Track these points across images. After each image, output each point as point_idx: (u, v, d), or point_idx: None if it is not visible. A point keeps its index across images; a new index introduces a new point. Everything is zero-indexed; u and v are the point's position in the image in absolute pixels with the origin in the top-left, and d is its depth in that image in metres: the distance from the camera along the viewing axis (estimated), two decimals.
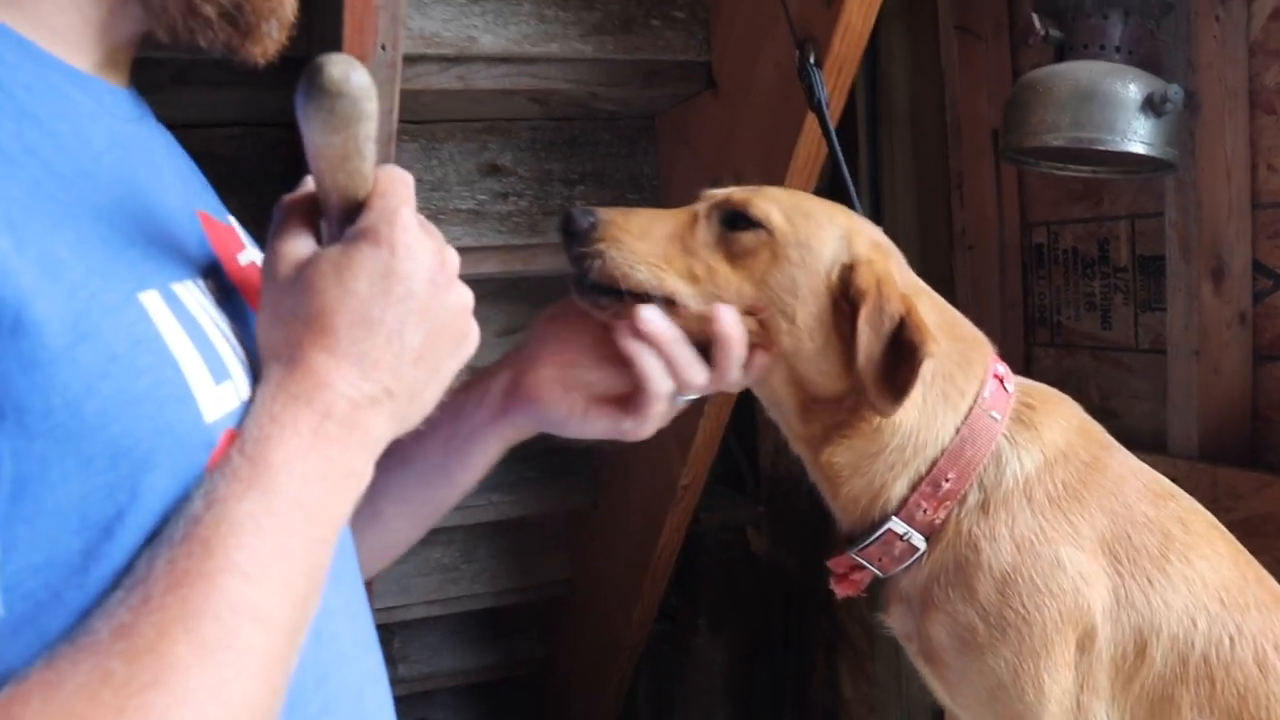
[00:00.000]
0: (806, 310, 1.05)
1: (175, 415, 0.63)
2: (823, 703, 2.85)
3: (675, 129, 2.08)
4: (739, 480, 2.93)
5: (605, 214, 1.05)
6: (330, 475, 0.66)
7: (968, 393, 1.09)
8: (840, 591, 1.20)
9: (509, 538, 2.88)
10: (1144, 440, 1.83)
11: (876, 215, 2.30)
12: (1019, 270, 2.19)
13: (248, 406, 0.67)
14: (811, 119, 1.58)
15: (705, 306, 1.02)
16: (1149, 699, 1.13)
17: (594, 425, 0.97)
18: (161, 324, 0.65)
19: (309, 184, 0.76)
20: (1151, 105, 1.51)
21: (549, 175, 2.04)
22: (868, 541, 1.10)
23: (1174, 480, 1.33)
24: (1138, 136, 1.52)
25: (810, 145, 1.61)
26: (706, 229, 1.07)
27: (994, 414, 1.09)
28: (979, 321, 1.78)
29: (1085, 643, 1.12)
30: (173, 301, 0.67)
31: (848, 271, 1.06)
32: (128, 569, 0.59)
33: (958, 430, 1.08)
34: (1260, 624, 1.13)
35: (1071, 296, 2.11)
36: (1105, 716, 1.14)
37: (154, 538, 0.60)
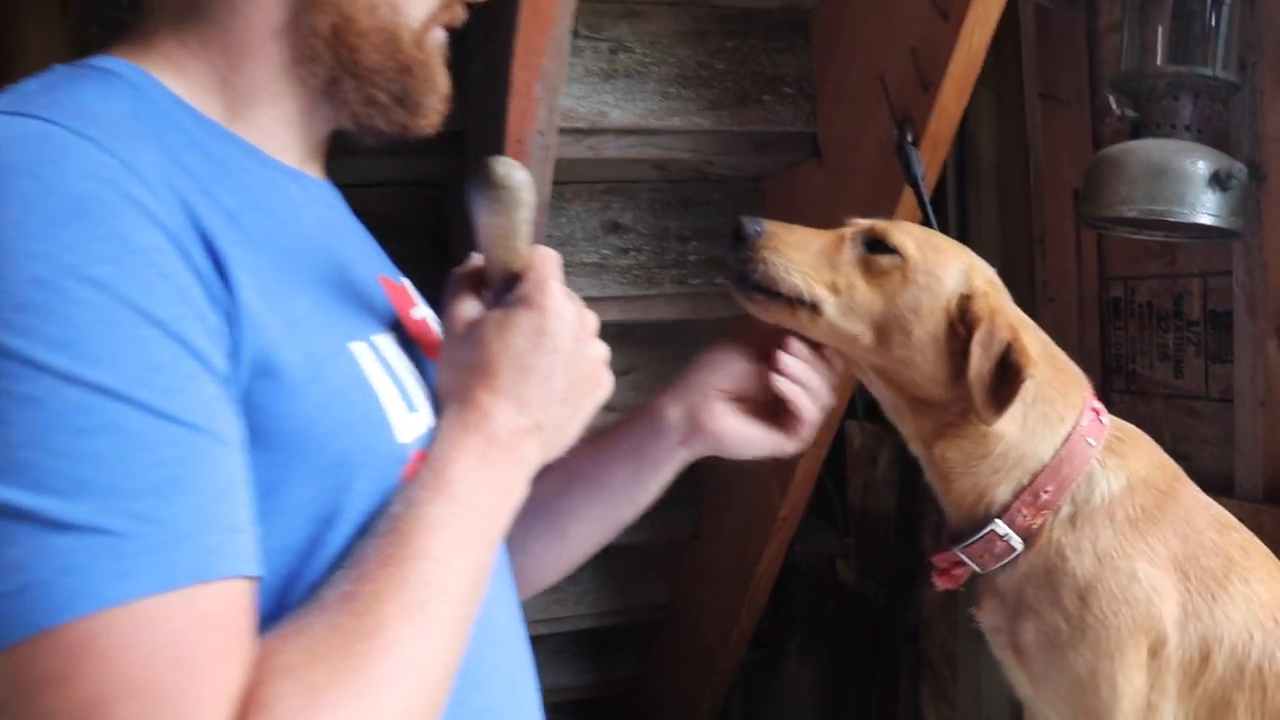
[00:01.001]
0: (924, 328, 1.22)
1: (377, 437, 0.81)
2: None
3: (781, 192, 2.26)
4: (830, 513, 3.08)
5: (770, 226, 1.22)
6: (495, 488, 0.83)
7: (1067, 418, 1.24)
8: (941, 585, 1.35)
9: (611, 563, 3.01)
10: (1212, 482, 1.92)
11: None
12: (1097, 322, 2.31)
13: (433, 432, 0.85)
14: (909, 190, 1.77)
15: (841, 319, 1.21)
16: (1210, 701, 1.25)
17: (760, 447, 1.16)
18: (366, 367, 0.83)
19: (475, 259, 0.93)
20: (1218, 180, 1.66)
21: (665, 232, 2.24)
22: (973, 539, 1.25)
23: (1240, 520, 1.49)
24: (1205, 209, 1.67)
25: (907, 213, 1.79)
26: (850, 250, 1.24)
27: (1090, 440, 1.24)
28: None
29: (1156, 648, 1.25)
30: (374, 349, 0.85)
31: (966, 300, 1.22)
32: (343, 554, 0.75)
33: (1057, 450, 1.23)
34: None
35: (1146, 347, 2.23)
36: (1171, 715, 1.26)
37: (362, 530, 0.77)
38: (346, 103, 0.92)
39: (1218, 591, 1.25)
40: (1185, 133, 1.74)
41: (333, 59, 0.89)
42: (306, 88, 0.91)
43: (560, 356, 0.87)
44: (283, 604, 0.73)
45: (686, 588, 3.05)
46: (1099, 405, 1.29)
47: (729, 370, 1.16)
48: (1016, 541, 1.25)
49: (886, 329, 1.23)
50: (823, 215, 2.08)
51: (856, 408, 2.85)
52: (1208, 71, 1.71)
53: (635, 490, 1.15)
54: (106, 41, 0.89)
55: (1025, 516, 1.24)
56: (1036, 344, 1.25)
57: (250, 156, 0.87)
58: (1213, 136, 1.79)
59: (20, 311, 0.63)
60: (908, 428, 1.29)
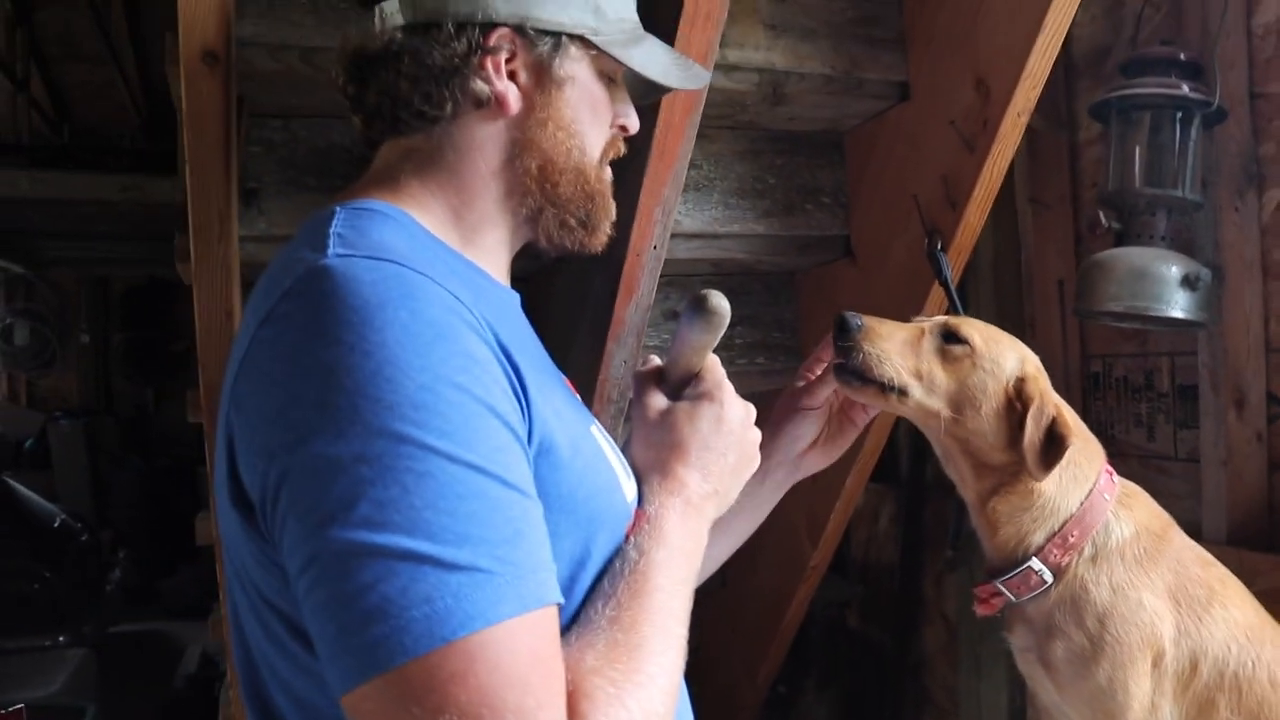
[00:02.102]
0: (989, 405, 1.51)
1: (615, 499, 1.01)
2: None
3: (813, 285, 2.56)
4: (841, 564, 3.36)
5: (868, 321, 1.47)
6: (693, 538, 1.03)
7: (1090, 478, 1.53)
8: (981, 612, 1.60)
9: None
10: (1186, 527, 2.30)
11: None
12: (1080, 393, 2.64)
13: (642, 496, 1.05)
14: (935, 289, 2.10)
15: (924, 399, 1.49)
16: (1198, 701, 1.53)
17: (815, 468, 1.43)
18: (602, 445, 1.04)
19: (653, 360, 1.17)
20: (1188, 282, 2.02)
21: None
22: (1012, 574, 1.52)
23: None
24: (1178, 305, 2.02)
25: (935, 308, 2.10)
26: (930, 340, 1.52)
27: (1106, 495, 1.53)
28: None
29: (1158, 660, 1.51)
30: (600, 431, 1.07)
31: (1021, 383, 1.51)
32: (592, 590, 0.95)
33: (1082, 503, 1.51)
34: (1272, 655, 1.53)
35: (1122, 415, 2.56)
36: (1169, 712, 1.52)
37: (605, 572, 0.96)
38: (545, 227, 1.10)
39: (1203, 615, 1.53)
40: (1161, 242, 2.10)
41: (539, 192, 1.08)
42: (517, 217, 1.10)
43: (733, 439, 1.09)
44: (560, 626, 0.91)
45: (715, 632, 3.16)
46: (1110, 468, 1.59)
47: (800, 432, 1.40)
48: (1048, 576, 1.52)
49: (960, 405, 1.51)
50: (855, 304, 2.42)
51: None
52: (1177, 193, 2.08)
53: (760, 511, 1.41)
54: None
55: (1055, 556, 1.52)
56: (1071, 419, 1.54)
57: (483, 277, 1.06)
58: (1183, 245, 2.15)
59: (416, 409, 0.79)
60: (969, 489, 1.58)
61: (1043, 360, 2.66)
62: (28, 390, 8.08)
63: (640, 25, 1.15)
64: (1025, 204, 2.69)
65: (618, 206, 1.70)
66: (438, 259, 0.97)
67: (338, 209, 0.97)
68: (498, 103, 1.05)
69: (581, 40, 1.07)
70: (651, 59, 1.13)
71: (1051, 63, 1.87)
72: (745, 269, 2.50)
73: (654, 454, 1.07)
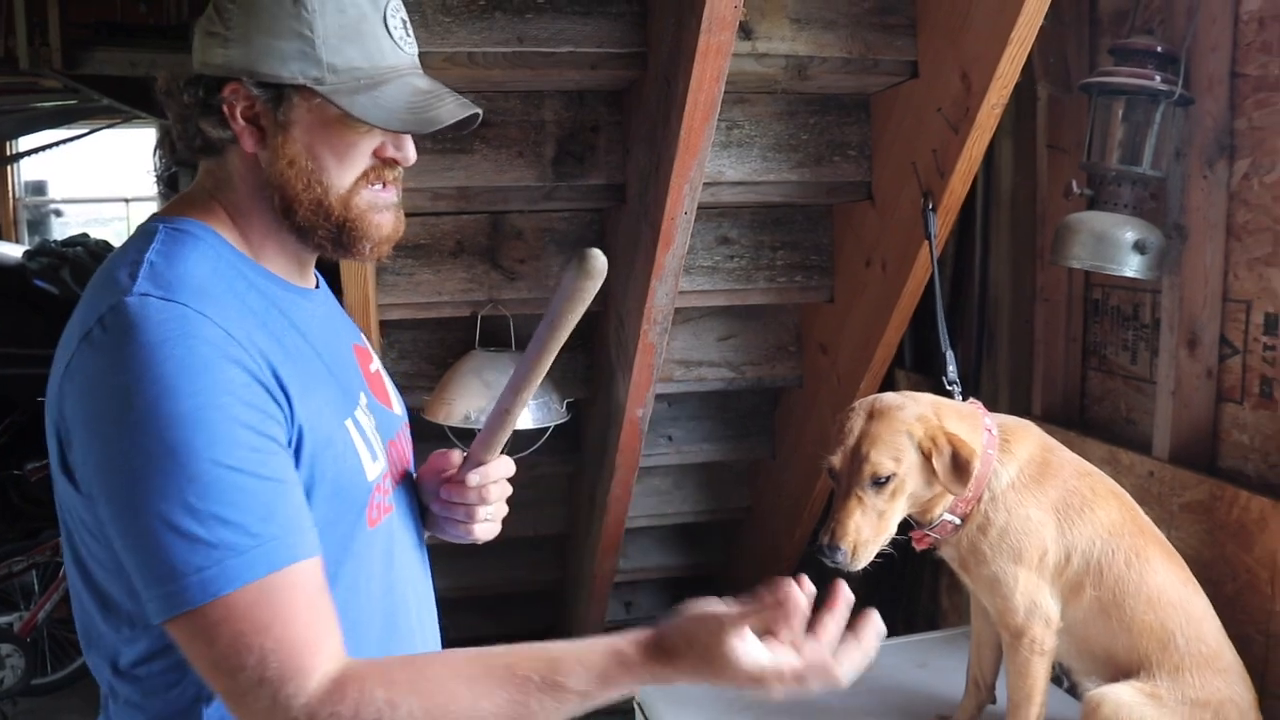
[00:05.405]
0: (921, 480, 1.92)
1: (358, 479, 1.22)
2: (926, 611, 3.55)
3: (844, 217, 2.96)
4: None
5: (844, 544, 1.89)
6: (601, 691, 1.09)
7: (976, 447, 1.94)
8: (918, 547, 2.07)
9: (708, 474, 3.67)
10: (1144, 443, 2.64)
11: (984, 276, 3.13)
12: (1081, 317, 2.96)
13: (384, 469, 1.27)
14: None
15: (891, 534, 1.93)
16: (1070, 584, 1.98)
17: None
18: (353, 435, 1.22)
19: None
20: (1139, 246, 2.38)
21: (760, 244, 2.96)
22: (933, 525, 2.00)
23: (1148, 473, 2.21)
24: (1129, 266, 2.38)
25: (928, 253, 2.53)
26: (870, 497, 1.91)
27: (990, 451, 1.96)
28: (1050, 353, 2.69)
29: (1042, 557, 1.96)
30: (355, 422, 1.24)
31: (922, 446, 1.91)
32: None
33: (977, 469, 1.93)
34: (1129, 544, 1.97)
35: (1114, 339, 2.87)
36: (1049, 597, 1.98)
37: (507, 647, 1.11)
38: (313, 243, 1.24)
39: (1076, 519, 1.98)
40: (1124, 209, 2.46)
41: (285, 218, 1.21)
42: (290, 233, 1.23)
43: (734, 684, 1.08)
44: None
45: (763, 495, 3.67)
46: (989, 422, 2.01)
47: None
48: (957, 521, 1.99)
49: (912, 501, 1.96)
50: (873, 241, 2.85)
51: (905, 357, 3.43)
52: (1140, 169, 2.44)
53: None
54: None
55: (960, 508, 1.98)
56: (954, 418, 1.97)
57: (275, 283, 1.23)
58: (1144, 211, 2.49)
59: (186, 426, 1.03)
60: (920, 510, 2.01)
61: (1051, 286, 3.05)
62: None
63: (393, 70, 1.20)
64: (1043, 147, 2.97)
65: (660, 184, 2.09)
66: (235, 276, 1.18)
67: (160, 227, 1.18)
68: (239, 142, 1.20)
69: (304, 90, 1.17)
70: (378, 105, 1.18)
71: (1021, 65, 2.25)
72: (785, 204, 2.94)
73: (683, 643, 1.08)
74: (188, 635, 1.04)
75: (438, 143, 2.54)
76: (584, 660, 1.07)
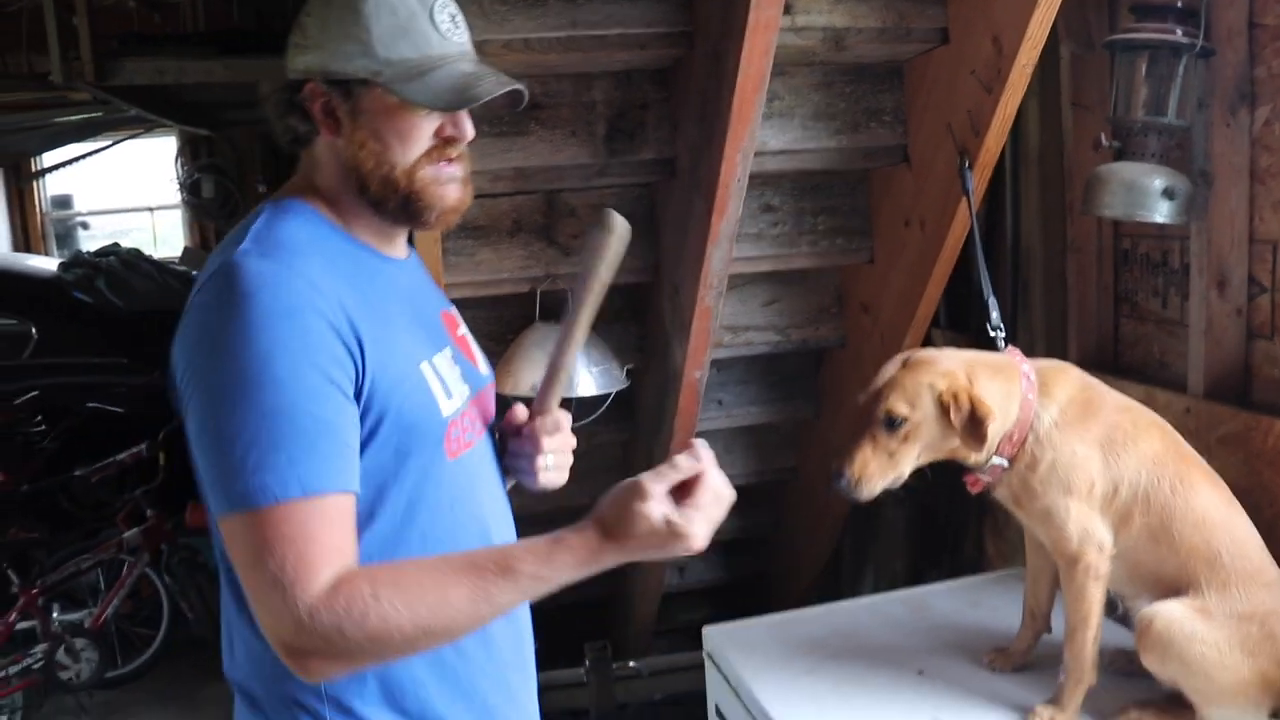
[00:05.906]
0: (940, 436, 2.05)
1: (433, 414, 1.38)
2: (971, 556, 3.61)
3: (881, 183, 3.07)
4: None
5: (848, 471, 2.04)
6: (560, 572, 1.27)
7: (1015, 394, 2.06)
8: (973, 490, 2.19)
9: (757, 436, 3.78)
10: (1178, 382, 2.74)
11: (1016, 232, 3.24)
12: (1112, 266, 3.05)
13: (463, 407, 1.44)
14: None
15: (905, 476, 2.06)
16: (1119, 514, 2.09)
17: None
18: (428, 375, 1.39)
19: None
20: (1168, 193, 2.50)
21: (802, 210, 3.08)
22: (984, 469, 2.12)
23: (1185, 410, 2.31)
24: (1160, 212, 2.49)
25: (965, 210, 2.66)
26: (883, 436, 2.03)
27: (1030, 396, 2.08)
28: (1083, 302, 2.78)
29: (1091, 489, 2.08)
30: (432, 365, 1.40)
31: (942, 400, 2.01)
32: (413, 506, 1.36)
33: (1018, 414, 2.07)
34: (1173, 471, 2.07)
35: (1144, 286, 2.96)
36: (1100, 524, 2.09)
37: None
38: (389, 215, 1.43)
39: (1121, 452, 2.09)
40: (1152, 158, 2.57)
41: (360, 193, 1.40)
42: (366, 206, 1.42)
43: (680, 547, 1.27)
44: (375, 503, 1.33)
45: (809, 456, 3.79)
46: (1026, 369, 2.12)
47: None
48: (1006, 464, 2.11)
49: (931, 450, 2.08)
50: (910, 203, 2.97)
51: (940, 315, 3.48)
52: (1166, 120, 2.55)
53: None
54: None
55: (1006, 450, 2.10)
56: (985, 373, 2.07)
57: (365, 250, 1.43)
58: (1170, 160, 2.60)
59: (262, 362, 1.20)
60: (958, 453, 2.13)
61: (1081, 237, 3.17)
62: (217, 238, 8.86)
63: (442, 59, 1.38)
64: (1068, 106, 3.08)
65: (714, 154, 2.22)
66: (327, 242, 1.37)
67: (267, 206, 1.39)
68: (323, 130, 1.40)
69: (367, 83, 1.36)
70: (427, 88, 1.35)
71: (1049, 27, 2.37)
72: (825, 171, 3.07)
73: (611, 512, 1.28)
74: (229, 533, 1.23)
75: (494, 126, 2.69)
76: (530, 548, 1.26)
